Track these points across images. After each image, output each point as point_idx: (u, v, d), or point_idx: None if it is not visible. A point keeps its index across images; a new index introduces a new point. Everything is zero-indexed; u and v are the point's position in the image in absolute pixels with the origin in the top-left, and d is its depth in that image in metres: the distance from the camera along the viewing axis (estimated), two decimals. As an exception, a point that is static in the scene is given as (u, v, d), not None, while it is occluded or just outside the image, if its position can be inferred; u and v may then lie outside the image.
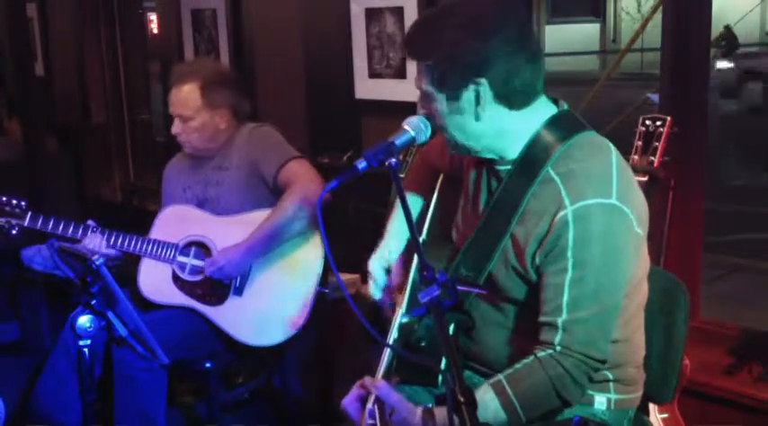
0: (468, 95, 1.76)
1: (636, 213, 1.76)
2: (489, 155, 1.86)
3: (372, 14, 3.55)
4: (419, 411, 1.73)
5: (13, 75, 5.91)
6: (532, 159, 1.80)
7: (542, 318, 1.77)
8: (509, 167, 1.84)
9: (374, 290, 2.16)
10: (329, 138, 3.84)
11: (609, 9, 22.50)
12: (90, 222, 2.90)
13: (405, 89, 3.46)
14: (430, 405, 1.75)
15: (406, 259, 2.14)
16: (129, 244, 2.89)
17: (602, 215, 1.71)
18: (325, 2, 3.79)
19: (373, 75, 3.61)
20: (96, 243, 2.84)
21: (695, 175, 2.88)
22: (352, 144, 3.68)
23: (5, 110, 5.71)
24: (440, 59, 1.75)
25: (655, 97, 3.09)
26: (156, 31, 5.91)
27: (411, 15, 3.38)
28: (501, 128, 1.80)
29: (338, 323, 3.09)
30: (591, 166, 1.76)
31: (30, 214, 2.86)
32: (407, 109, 3.09)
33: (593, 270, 1.72)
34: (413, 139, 1.82)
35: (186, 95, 2.90)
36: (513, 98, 1.78)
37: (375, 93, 3.61)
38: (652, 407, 2.31)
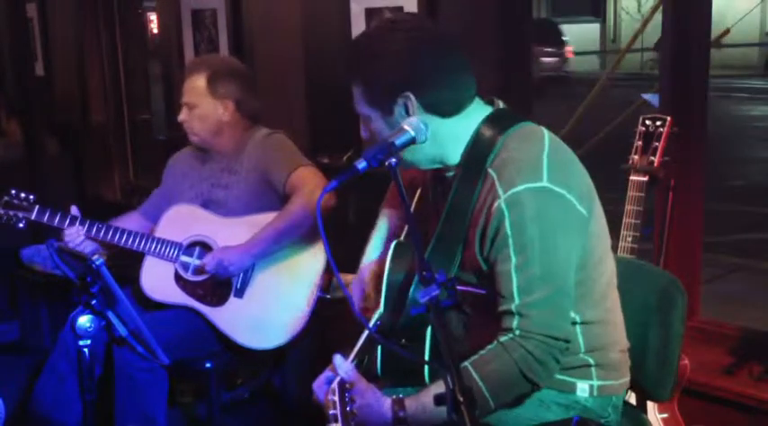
0: (398, 109, 1.84)
1: (576, 193, 1.80)
2: (433, 166, 1.93)
3: (372, 14, 3.55)
4: (388, 399, 1.76)
5: (13, 75, 5.92)
6: (474, 159, 1.86)
7: (499, 307, 1.80)
8: (453, 172, 1.89)
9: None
10: (329, 138, 3.84)
11: (609, 9, 22.53)
12: (75, 211, 2.91)
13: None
14: (401, 395, 1.77)
15: (378, 269, 2.15)
16: (132, 242, 2.90)
17: (534, 199, 1.76)
18: (325, 2, 3.79)
19: (373, 75, 3.60)
20: (78, 239, 2.84)
21: (695, 175, 2.88)
22: (352, 144, 3.68)
23: (5, 111, 5.71)
24: (367, 78, 1.86)
25: (651, 97, 3.09)
26: (156, 31, 5.91)
27: (411, 15, 3.38)
28: (437, 135, 1.86)
29: (338, 323, 3.09)
30: (520, 154, 1.81)
31: (37, 208, 2.89)
32: (407, 109, 3.09)
33: (534, 253, 1.76)
34: (413, 139, 1.82)
35: (193, 84, 2.94)
36: (442, 107, 1.85)
37: (375, 93, 3.61)
38: (651, 406, 2.31)
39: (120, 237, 2.89)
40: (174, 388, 2.87)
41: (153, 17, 5.96)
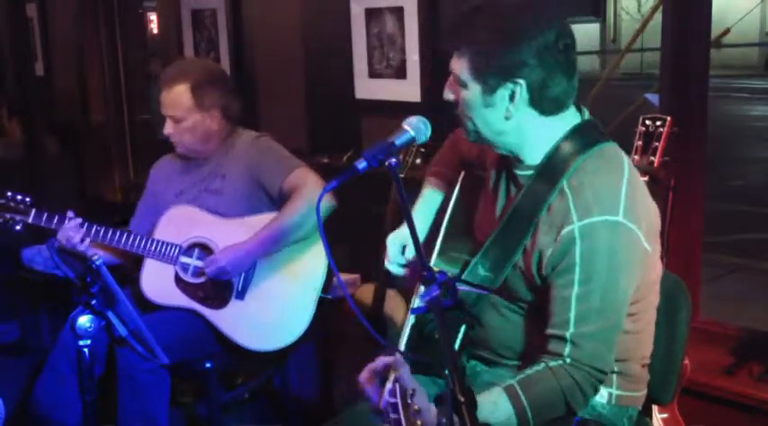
0: (503, 92, 1.79)
1: (644, 228, 1.79)
2: (504, 152, 1.89)
3: (372, 14, 3.55)
4: (433, 407, 1.69)
5: (13, 75, 5.92)
6: (552, 169, 1.82)
7: (550, 330, 1.79)
8: (529, 173, 1.86)
9: (389, 265, 2.18)
10: (329, 138, 3.84)
11: (609, 9, 22.53)
12: (76, 218, 2.89)
13: (404, 89, 3.46)
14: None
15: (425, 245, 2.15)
16: (132, 243, 2.89)
17: (608, 232, 1.74)
18: (325, 2, 3.79)
19: (373, 75, 3.61)
20: (74, 239, 2.83)
21: (695, 175, 2.88)
22: (352, 144, 3.68)
23: (5, 111, 5.72)
24: (484, 50, 1.77)
25: (652, 97, 3.09)
26: (156, 31, 5.92)
27: (411, 15, 3.39)
28: (525, 130, 1.83)
29: (338, 323, 3.09)
30: (600, 182, 1.78)
31: (34, 210, 2.87)
32: (407, 109, 3.10)
33: (598, 287, 1.75)
34: (413, 139, 1.82)
35: (177, 96, 2.88)
36: (545, 104, 1.80)
37: (375, 93, 3.61)
38: (652, 407, 2.31)
39: (120, 239, 2.88)
40: (174, 388, 2.87)
41: (153, 17, 5.97)
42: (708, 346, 2.88)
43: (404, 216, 1.69)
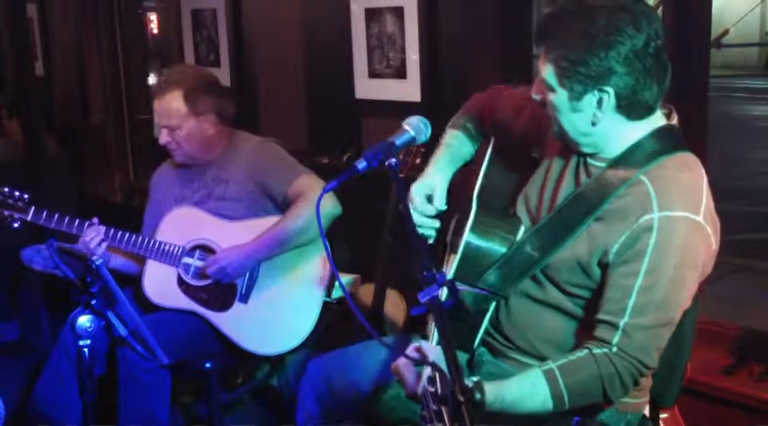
0: (590, 99, 1.77)
1: (716, 237, 1.79)
2: (588, 150, 1.87)
3: (372, 14, 3.55)
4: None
5: (13, 75, 5.91)
6: (627, 162, 1.81)
7: (602, 316, 1.78)
8: (603, 165, 1.85)
9: (417, 217, 2.09)
10: (329, 138, 3.84)
11: (609, 9, 22.49)
12: (94, 220, 2.89)
13: (405, 89, 3.46)
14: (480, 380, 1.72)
15: (457, 219, 2.09)
16: (134, 244, 2.88)
17: (686, 230, 1.74)
18: (325, 2, 3.79)
19: (373, 75, 3.61)
20: (95, 240, 2.82)
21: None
22: (352, 144, 3.68)
23: (5, 111, 5.71)
24: (573, 58, 1.74)
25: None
26: (156, 31, 5.92)
27: (411, 15, 3.39)
28: (611, 133, 1.82)
29: (338, 323, 3.09)
30: (683, 178, 1.78)
31: (33, 208, 2.85)
32: (407, 109, 3.10)
33: (664, 281, 1.74)
34: (413, 139, 1.82)
35: (170, 105, 2.86)
36: (633, 110, 1.79)
37: (375, 93, 3.61)
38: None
39: (121, 239, 2.88)
40: (174, 388, 2.86)
41: (153, 17, 5.96)
42: (708, 346, 2.88)
43: (404, 216, 1.69)
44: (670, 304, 1.76)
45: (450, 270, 1.96)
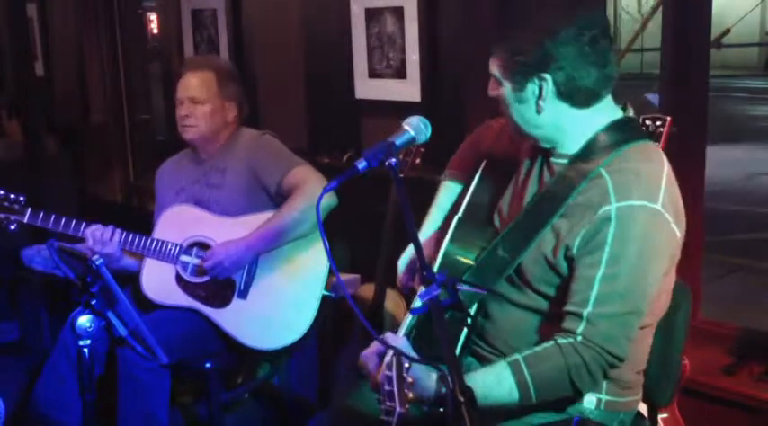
0: (532, 87, 1.82)
1: (679, 226, 1.80)
2: (546, 145, 1.90)
3: (372, 14, 3.55)
4: (434, 374, 1.75)
5: (13, 75, 5.91)
6: (587, 157, 1.84)
7: (568, 307, 1.79)
8: (564, 161, 1.87)
9: (401, 287, 2.24)
10: (329, 138, 3.84)
11: (609, 9, 22.50)
12: (95, 225, 2.89)
13: (405, 89, 3.46)
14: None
15: (438, 239, 2.16)
16: (132, 242, 2.89)
17: (645, 218, 1.75)
18: (325, 2, 3.79)
19: (373, 75, 3.61)
20: (104, 238, 2.83)
21: (695, 175, 2.88)
22: (352, 144, 3.68)
23: (5, 111, 5.71)
24: (511, 48, 1.82)
25: (652, 97, 3.09)
26: (156, 31, 5.92)
27: (411, 15, 3.38)
28: (561, 122, 1.85)
29: (338, 323, 3.09)
30: (643, 168, 1.79)
31: (29, 210, 2.85)
32: (407, 109, 3.10)
33: (625, 270, 1.74)
34: (413, 139, 1.82)
35: (203, 80, 2.96)
36: (575, 97, 1.82)
37: (375, 93, 3.61)
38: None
39: (119, 239, 2.88)
40: (174, 388, 2.87)
41: (153, 17, 5.97)
42: (708, 346, 2.88)
43: (404, 216, 1.69)
44: (634, 292, 1.76)
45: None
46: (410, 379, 1.55)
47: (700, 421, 2.51)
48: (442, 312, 1.59)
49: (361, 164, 1.71)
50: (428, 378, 1.74)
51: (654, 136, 2.48)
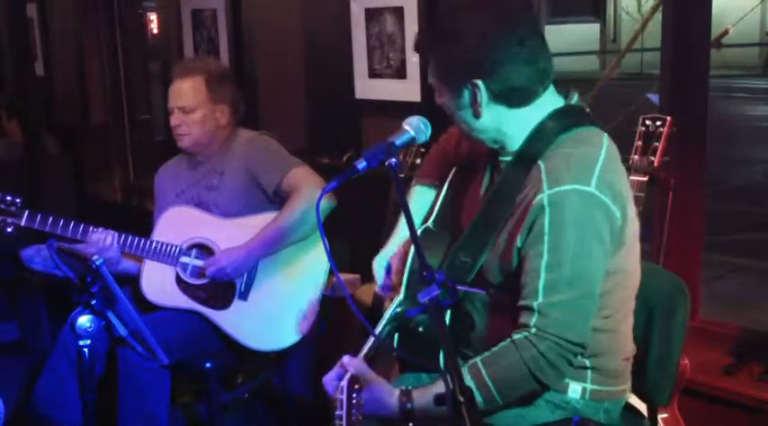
0: (467, 94, 1.82)
1: (618, 205, 1.78)
2: (495, 146, 1.91)
3: (372, 14, 3.55)
4: (397, 391, 1.77)
5: (13, 75, 5.91)
6: (530, 152, 1.83)
7: (520, 301, 1.79)
8: (509, 159, 1.88)
9: (377, 287, 2.23)
10: (329, 138, 3.84)
11: (609, 9, 22.51)
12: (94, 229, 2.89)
13: (405, 89, 3.46)
14: (409, 387, 1.79)
15: (404, 252, 2.16)
16: (131, 245, 2.88)
17: (578, 201, 1.74)
18: (325, 2, 3.79)
19: (373, 75, 3.61)
20: (106, 240, 2.83)
21: (695, 175, 2.88)
22: (352, 144, 3.68)
23: (5, 111, 5.71)
24: (439, 57, 1.84)
25: (653, 97, 3.09)
26: (156, 31, 5.91)
27: (411, 15, 3.38)
28: (501, 124, 1.85)
29: (338, 323, 3.09)
30: (575, 153, 1.78)
31: (27, 212, 2.84)
32: (407, 109, 3.10)
33: (567, 256, 1.74)
34: (413, 139, 1.82)
35: (190, 87, 2.91)
36: (511, 98, 1.82)
37: (375, 93, 3.61)
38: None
39: (118, 240, 2.88)
40: (174, 388, 2.87)
41: (153, 17, 5.97)
42: (708, 346, 2.88)
43: (404, 215, 1.69)
44: (581, 276, 1.75)
45: (399, 295, 2.05)
46: (361, 401, 1.60)
47: (700, 421, 2.51)
48: (442, 312, 1.59)
49: (361, 164, 1.72)
50: (388, 395, 1.77)
51: (654, 136, 2.48)
